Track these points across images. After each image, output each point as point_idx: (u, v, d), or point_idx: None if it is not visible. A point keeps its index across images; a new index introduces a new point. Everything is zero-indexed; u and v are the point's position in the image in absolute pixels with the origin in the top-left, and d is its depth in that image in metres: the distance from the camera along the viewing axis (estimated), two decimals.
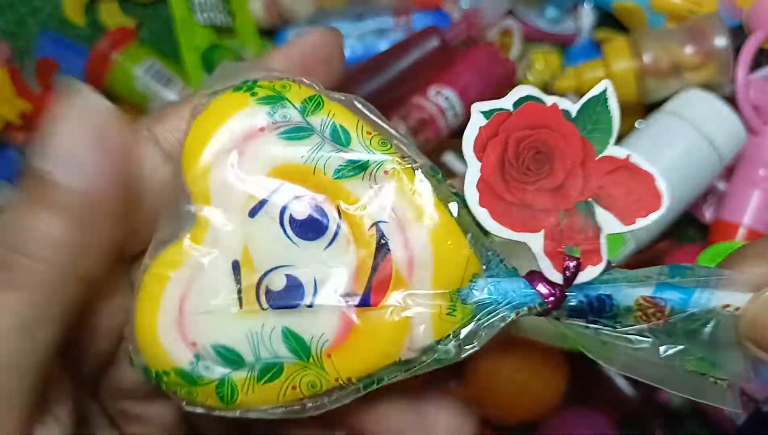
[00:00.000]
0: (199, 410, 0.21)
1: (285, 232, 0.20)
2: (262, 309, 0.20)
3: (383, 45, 0.54)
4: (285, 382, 0.20)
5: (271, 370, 0.20)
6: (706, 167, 0.47)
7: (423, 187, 0.20)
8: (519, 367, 0.49)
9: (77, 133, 0.18)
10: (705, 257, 0.42)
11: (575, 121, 0.20)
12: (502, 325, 0.20)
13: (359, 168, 0.20)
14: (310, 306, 0.20)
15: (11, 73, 0.51)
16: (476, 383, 0.49)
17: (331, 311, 0.20)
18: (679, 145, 0.47)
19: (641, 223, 0.20)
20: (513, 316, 0.20)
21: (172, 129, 0.22)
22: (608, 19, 0.56)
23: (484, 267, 0.20)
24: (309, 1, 0.53)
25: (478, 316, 0.20)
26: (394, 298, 0.20)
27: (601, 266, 0.20)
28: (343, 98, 0.21)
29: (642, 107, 0.53)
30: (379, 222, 0.20)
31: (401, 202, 0.20)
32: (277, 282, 0.20)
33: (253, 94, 0.20)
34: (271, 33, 0.56)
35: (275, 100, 0.20)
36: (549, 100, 0.20)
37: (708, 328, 0.20)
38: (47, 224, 0.18)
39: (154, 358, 0.20)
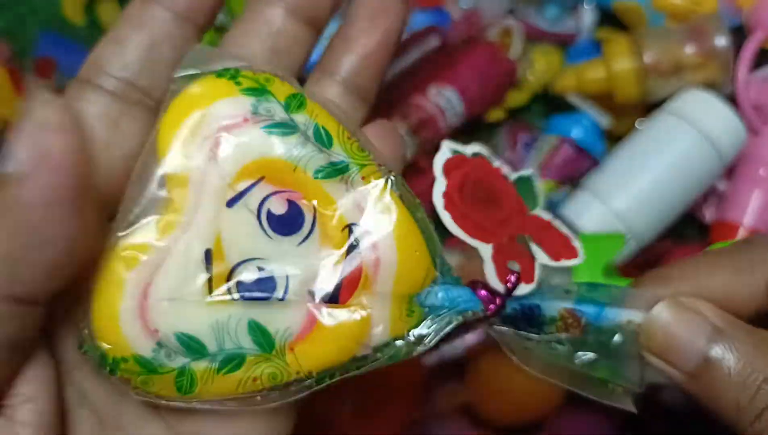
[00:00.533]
0: (149, 399, 0.21)
1: (261, 225, 0.20)
2: (232, 300, 0.20)
3: None
4: (246, 373, 0.20)
5: (233, 361, 0.20)
6: (707, 167, 0.47)
7: (395, 196, 0.21)
8: (519, 368, 0.49)
9: (32, 138, 0.18)
10: None
11: (514, 183, 0.24)
12: (448, 328, 0.22)
13: (338, 171, 0.21)
14: (281, 299, 0.20)
15: (11, 73, 0.51)
16: (476, 383, 0.49)
17: (299, 306, 0.20)
18: (679, 145, 0.47)
19: (563, 263, 0.23)
20: (459, 318, 0.22)
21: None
22: (609, 19, 0.56)
23: (438, 271, 0.22)
24: None
25: (429, 319, 0.22)
26: (359, 297, 0.21)
27: (533, 286, 0.23)
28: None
29: (642, 107, 0.53)
30: (353, 224, 0.21)
31: (374, 207, 0.21)
32: (250, 274, 0.20)
33: (237, 84, 0.21)
34: None
35: (260, 92, 0.20)
36: (495, 163, 0.24)
37: (614, 341, 0.23)
38: None
39: (112, 343, 0.20)
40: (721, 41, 0.48)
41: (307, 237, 0.20)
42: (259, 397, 0.21)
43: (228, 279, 0.20)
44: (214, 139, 0.20)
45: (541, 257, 0.23)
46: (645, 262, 0.49)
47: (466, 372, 0.51)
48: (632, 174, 0.48)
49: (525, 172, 0.25)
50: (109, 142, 0.22)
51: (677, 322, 0.22)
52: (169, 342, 0.20)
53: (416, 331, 0.22)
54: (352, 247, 0.21)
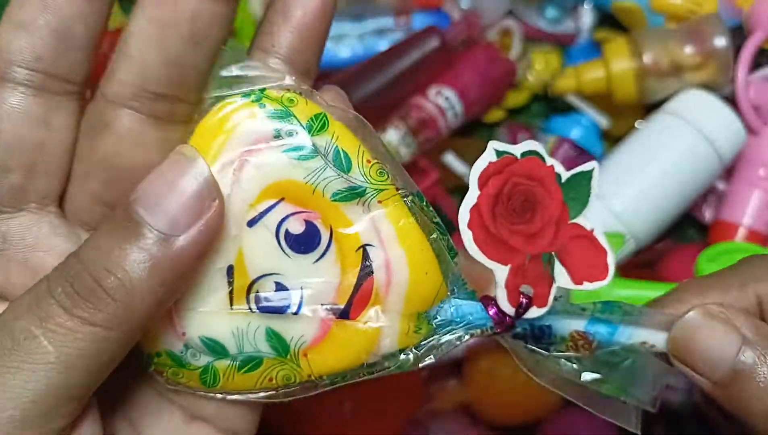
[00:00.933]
0: (181, 389, 0.23)
1: (279, 243, 0.22)
2: (251, 311, 0.22)
3: (383, 45, 0.55)
4: (263, 374, 0.22)
5: (251, 362, 0.22)
6: (706, 167, 0.48)
7: (410, 219, 0.22)
8: (519, 368, 0.49)
9: (179, 193, 0.19)
10: (705, 257, 0.42)
11: (563, 185, 0.23)
12: (458, 343, 0.23)
13: (356, 194, 0.22)
14: (295, 313, 0.22)
15: None
16: (476, 383, 0.49)
17: (313, 319, 0.22)
18: (679, 146, 0.47)
19: (585, 287, 0.23)
20: (467, 336, 0.23)
21: None
22: (608, 19, 0.57)
23: (450, 289, 0.23)
24: None
25: (438, 334, 0.23)
26: (369, 313, 0.22)
27: (544, 310, 0.23)
28: (347, 114, 0.23)
29: (642, 107, 0.53)
30: (367, 245, 0.22)
31: (389, 230, 0.22)
32: (267, 288, 0.22)
33: (261, 106, 0.21)
34: None
35: (283, 115, 0.21)
36: (549, 161, 0.23)
37: (626, 363, 0.24)
38: (134, 265, 0.19)
39: (148, 341, 0.22)
40: (721, 42, 0.48)
41: (323, 255, 0.22)
42: (274, 392, 0.23)
43: (248, 292, 0.22)
44: (238, 162, 0.21)
45: (562, 280, 0.23)
46: (645, 262, 0.49)
47: (465, 371, 0.51)
48: (632, 174, 0.48)
49: (586, 166, 0.24)
50: (44, 142, 0.21)
51: (707, 330, 0.22)
52: (195, 344, 0.22)
53: (425, 344, 0.23)
54: (365, 267, 0.22)
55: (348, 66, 0.53)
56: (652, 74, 0.49)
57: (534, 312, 0.22)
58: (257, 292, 0.22)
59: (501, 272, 0.22)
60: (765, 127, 0.50)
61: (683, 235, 0.54)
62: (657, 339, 0.24)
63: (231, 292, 0.21)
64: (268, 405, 0.24)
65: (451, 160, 0.52)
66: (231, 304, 0.21)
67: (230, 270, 0.21)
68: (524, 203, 0.23)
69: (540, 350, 0.24)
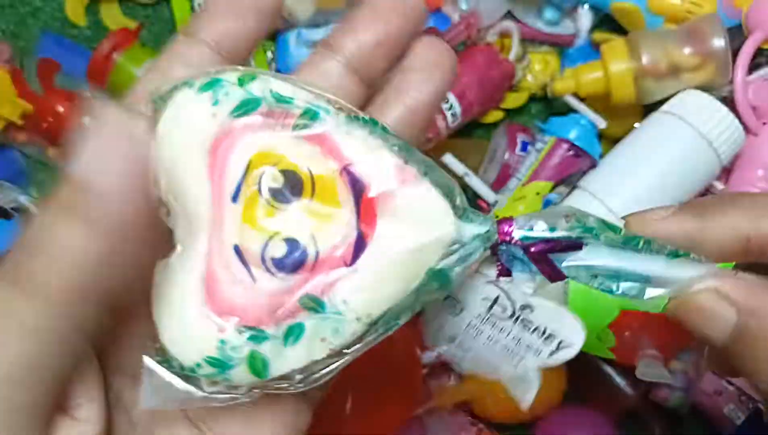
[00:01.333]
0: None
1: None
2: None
3: None
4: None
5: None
6: (705, 168, 0.48)
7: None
8: None
9: (112, 145, 0.19)
10: None
11: None
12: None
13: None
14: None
15: (12, 74, 0.52)
16: (476, 383, 0.49)
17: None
18: (677, 146, 0.47)
19: None
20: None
21: None
22: (607, 21, 0.57)
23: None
24: (309, 1, 0.54)
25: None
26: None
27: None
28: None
29: (640, 108, 0.53)
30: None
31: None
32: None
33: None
34: (271, 34, 0.56)
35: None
36: None
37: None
38: (75, 234, 0.18)
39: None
40: (719, 42, 0.48)
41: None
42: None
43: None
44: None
45: None
46: None
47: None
48: (630, 174, 0.48)
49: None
50: None
51: (709, 307, 0.22)
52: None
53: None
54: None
55: None
56: (651, 75, 0.50)
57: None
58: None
59: None
60: (763, 127, 0.50)
61: None
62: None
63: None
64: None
65: (450, 160, 0.52)
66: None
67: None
68: None
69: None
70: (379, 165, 0.21)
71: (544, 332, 0.24)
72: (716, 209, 0.23)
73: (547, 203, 0.50)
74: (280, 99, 0.21)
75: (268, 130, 0.21)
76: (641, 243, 0.22)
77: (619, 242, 0.22)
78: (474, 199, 0.53)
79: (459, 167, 0.52)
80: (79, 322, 0.19)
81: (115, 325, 0.22)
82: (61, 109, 0.51)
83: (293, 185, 0.21)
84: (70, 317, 0.19)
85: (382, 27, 0.23)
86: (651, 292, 0.22)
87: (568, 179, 0.50)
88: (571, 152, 0.50)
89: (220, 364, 0.21)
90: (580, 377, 0.51)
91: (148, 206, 0.20)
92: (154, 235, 0.21)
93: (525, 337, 0.24)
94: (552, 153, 0.51)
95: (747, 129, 0.49)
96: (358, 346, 0.21)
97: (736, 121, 0.47)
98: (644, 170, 0.48)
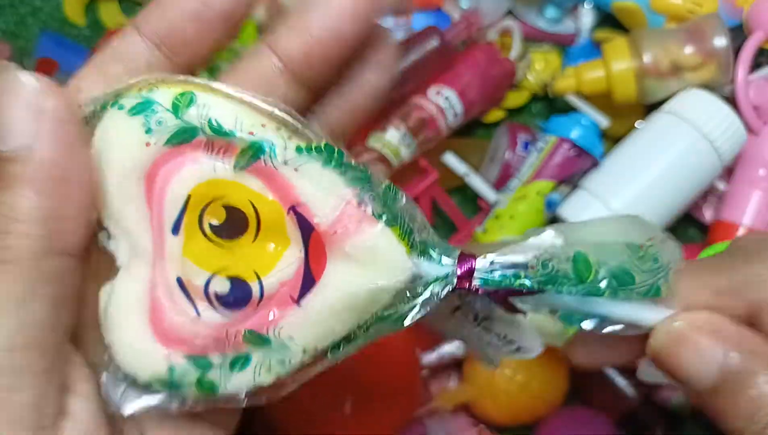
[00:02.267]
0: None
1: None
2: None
3: None
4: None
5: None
6: (706, 167, 0.48)
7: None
8: (519, 367, 0.49)
9: (10, 105, 0.19)
10: (705, 256, 0.42)
11: None
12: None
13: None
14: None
15: None
16: (476, 383, 0.49)
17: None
18: (679, 145, 0.47)
19: None
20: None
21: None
22: (608, 19, 0.57)
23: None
24: None
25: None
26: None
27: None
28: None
29: (642, 107, 0.53)
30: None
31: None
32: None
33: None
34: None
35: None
36: None
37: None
38: (13, 197, 0.19)
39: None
40: (721, 41, 0.48)
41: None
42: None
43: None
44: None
45: None
46: None
47: (465, 371, 0.51)
48: (632, 174, 0.48)
49: None
50: None
51: (692, 343, 0.22)
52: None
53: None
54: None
55: None
56: (652, 74, 0.49)
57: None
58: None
59: None
60: (765, 126, 0.50)
61: (683, 235, 0.54)
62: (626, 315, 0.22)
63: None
64: (270, 405, 0.22)
65: (451, 160, 0.52)
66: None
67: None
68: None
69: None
70: (330, 203, 0.20)
71: (505, 337, 0.24)
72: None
73: (548, 203, 0.50)
74: (219, 132, 0.20)
75: (208, 161, 0.20)
76: (606, 293, 0.21)
77: (582, 292, 0.21)
78: (474, 199, 0.53)
79: (460, 167, 0.52)
80: (54, 273, 0.19)
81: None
82: None
83: (236, 222, 0.20)
84: (44, 272, 0.19)
85: (319, 28, 0.22)
86: (609, 329, 0.22)
87: (569, 179, 0.50)
88: (572, 152, 0.50)
89: (172, 385, 0.21)
90: (581, 378, 0.51)
91: (75, 156, 0.20)
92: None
93: (486, 338, 0.24)
94: (553, 152, 0.50)
95: (748, 128, 0.49)
96: (307, 371, 0.21)
97: (738, 120, 0.47)
98: (646, 170, 0.47)
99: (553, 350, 0.47)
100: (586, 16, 0.57)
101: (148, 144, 0.20)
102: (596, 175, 0.49)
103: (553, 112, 0.56)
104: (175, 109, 0.20)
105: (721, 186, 0.51)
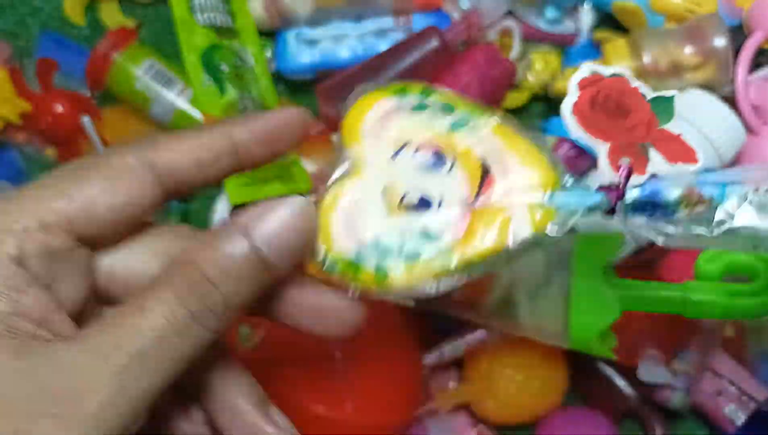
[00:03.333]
0: (365, 292, 0.27)
1: (416, 167, 0.28)
2: (405, 216, 0.27)
3: (383, 45, 0.54)
4: (424, 266, 0.26)
5: (412, 258, 0.26)
6: (706, 167, 0.48)
7: (509, 129, 0.28)
8: (519, 367, 0.49)
9: (288, 228, 0.24)
10: (705, 257, 0.42)
11: (651, 101, 0.31)
12: (577, 215, 0.26)
13: (464, 122, 0.28)
14: (438, 211, 0.27)
15: (11, 73, 0.51)
16: (476, 383, 0.49)
17: (453, 214, 0.27)
18: None
19: (679, 166, 0.29)
20: (587, 213, 0.26)
21: None
22: (608, 20, 0.57)
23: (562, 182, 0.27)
24: (309, 1, 0.53)
25: (563, 215, 0.27)
26: (496, 199, 0.27)
27: (645, 177, 0.29)
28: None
29: None
30: (483, 156, 0.27)
31: (496, 140, 0.27)
32: (413, 199, 0.27)
33: (384, 91, 0.29)
34: (271, 33, 0.56)
35: (401, 91, 0.29)
36: (634, 83, 0.31)
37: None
38: (235, 284, 0.23)
39: (331, 251, 0.27)
40: (721, 41, 0.48)
41: (450, 169, 0.27)
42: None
43: (400, 203, 0.27)
44: (380, 121, 0.28)
45: (657, 160, 0.29)
46: (645, 261, 0.49)
47: (465, 371, 0.51)
48: None
49: (667, 93, 0.31)
50: None
51: None
52: (366, 248, 0.27)
53: (553, 224, 0.27)
54: (484, 169, 0.27)
55: (348, 66, 0.53)
56: (652, 74, 0.49)
57: (637, 178, 0.27)
58: (407, 202, 0.27)
59: (602, 147, 0.30)
60: (765, 127, 0.50)
61: None
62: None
63: (388, 206, 0.27)
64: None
65: None
66: (390, 214, 0.27)
67: (385, 190, 0.27)
68: (617, 106, 0.30)
69: (661, 219, 0.27)
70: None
71: None
72: None
73: None
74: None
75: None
76: None
77: None
78: None
79: None
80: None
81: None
82: (60, 108, 0.51)
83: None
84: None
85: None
86: None
87: None
88: (572, 152, 0.50)
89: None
90: (580, 378, 0.51)
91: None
92: None
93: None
94: (554, 152, 0.50)
95: (748, 128, 0.49)
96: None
97: (738, 120, 0.47)
98: None
99: (553, 350, 0.47)
100: (586, 17, 0.57)
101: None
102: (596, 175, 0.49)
103: (553, 112, 0.56)
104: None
105: None
